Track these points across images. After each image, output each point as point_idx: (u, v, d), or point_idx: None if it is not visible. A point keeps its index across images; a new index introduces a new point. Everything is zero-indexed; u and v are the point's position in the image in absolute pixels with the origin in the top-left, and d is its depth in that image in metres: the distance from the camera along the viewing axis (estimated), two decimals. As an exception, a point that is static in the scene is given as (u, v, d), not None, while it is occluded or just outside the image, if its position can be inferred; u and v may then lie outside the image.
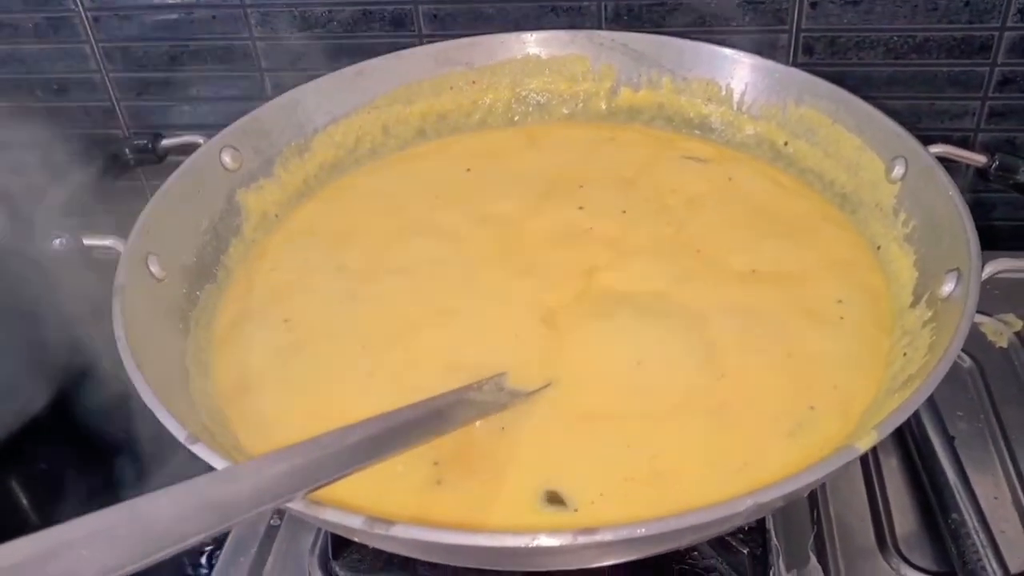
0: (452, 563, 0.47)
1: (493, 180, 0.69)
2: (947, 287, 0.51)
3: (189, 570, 0.73)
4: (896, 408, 0.42)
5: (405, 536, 0.39)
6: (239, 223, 0.65)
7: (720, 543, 0.57)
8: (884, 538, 0.59)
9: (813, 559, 0.58)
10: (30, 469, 0.76)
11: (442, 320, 0.57)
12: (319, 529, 0.62)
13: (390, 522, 0.39)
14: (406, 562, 0.59)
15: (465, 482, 0.47)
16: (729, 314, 0.56)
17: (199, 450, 0.43)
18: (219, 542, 0.62)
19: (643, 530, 0.38)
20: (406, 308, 0.58)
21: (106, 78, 0.90)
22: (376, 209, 0.68)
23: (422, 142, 0.75)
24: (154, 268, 0.57)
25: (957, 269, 0.51)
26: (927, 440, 0.62)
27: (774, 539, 0.59)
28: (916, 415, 0.63)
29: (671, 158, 0.70)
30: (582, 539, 0.38)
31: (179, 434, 0.44)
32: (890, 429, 0.42)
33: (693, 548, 0.57)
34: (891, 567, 0.58)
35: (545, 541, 0.38)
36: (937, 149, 0.59)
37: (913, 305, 0.55)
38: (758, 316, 0.56)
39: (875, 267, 0.59)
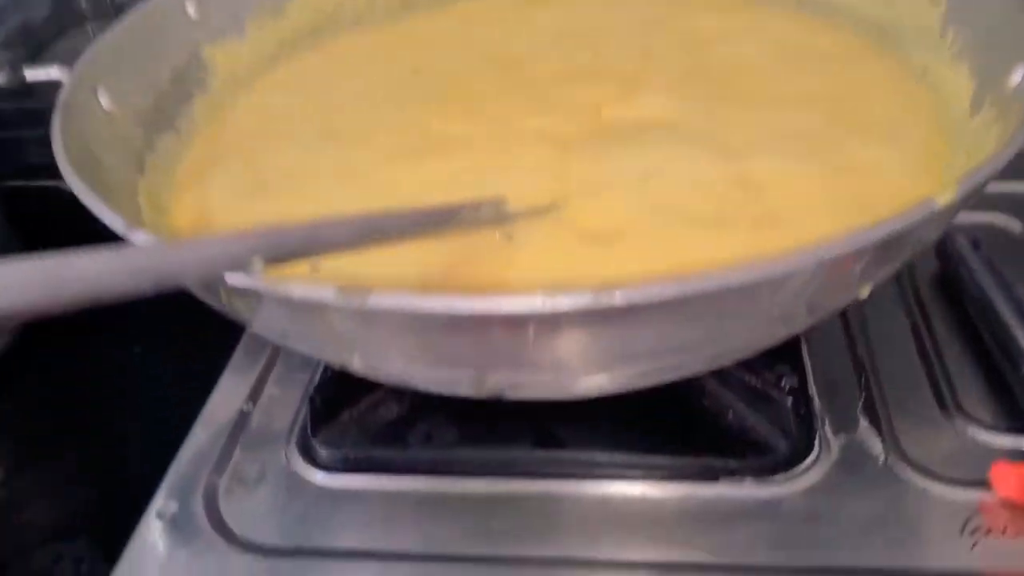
0: (439, 370, 0.39)
1: (497, 35, 0.63)
2: (1015, 78, 0.44)
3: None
4: (980, 164, 0.35)
5: (385, 305, 0.31)
6: (204, 78, 0.59)
7: (759, 398, 0.50)
8: (944, 398, 0.52)
9: (864, 422, 0.51)
10: None
11: (432, 150, 0.50)
12: (296, 411, 0.55)
13: (366, 290, 0.31)
14: (396, 436, 0.52)
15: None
16: (760, 130, 0.49)
17: (139, 237, 0.36)
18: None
19: (676, 289, 0.31)
20: (395, 139, 0.51)
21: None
22: (366, 59, 0.61)
23: (407, 16, 0.68)
24: (104, 100, 0.50)
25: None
26: (986, 298, 0.55)
27: (817, 403, 0.51)
28: (972, 276, 0.56)
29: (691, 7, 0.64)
30: (602, 299, 0.30)
31: (115, 223, 0.37)
32: (973, 183, 0.34)
33: (728, 408, 0.50)
34: (954, 427, 0.50)
35: (559, 302, 0.30)
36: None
37: (973, 113, 0.48)
38: (794, 133, 0.49)
39: (923, 89, 0.52)
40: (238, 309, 0.37)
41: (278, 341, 0.42)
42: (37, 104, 0.51)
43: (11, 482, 0.78)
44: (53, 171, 0.95)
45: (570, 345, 0.35)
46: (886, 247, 0.34)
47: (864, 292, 0.40)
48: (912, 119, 0.50)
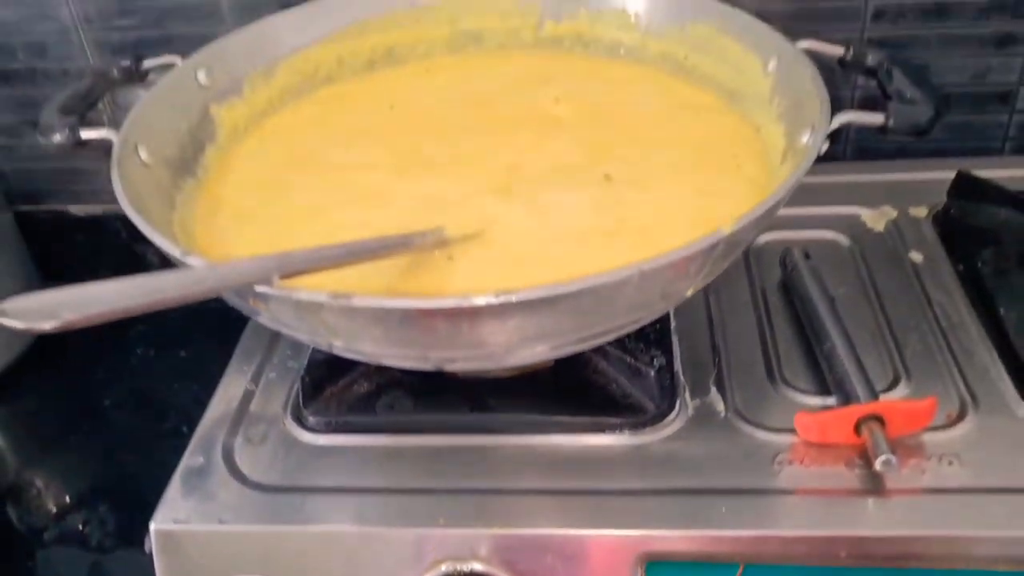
0: (403, 349, 0.56)
1: (436, 88, 0.81)
2: (803, 138, 0.63)
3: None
4: (757, 205, 0.53)
5: (363, 305, 0.49)
6: (213, 131, 0.75)
7: (635, 373, 0.67)
8: (772, 371, 0.70)
9: (714, 390, 0.69)
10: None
11: (376, 196, 0.68)
12: (290, 390, 0.72)
13: (350, 294, 0.49)
14: (366, 406, 0.68)
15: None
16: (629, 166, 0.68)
17: (192, 260, 0.52)
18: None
19: (552, 291, 0.48)
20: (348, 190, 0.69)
21: (83, 39, 0.99)
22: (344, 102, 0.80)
23: (371, 73, 0.85)
24: (143, 155, 0.66)
25: (812, 124, 0.62)
26: (810, 297, 0.73)
27: (681, 377, 0.69)
28: (802, 280, 0.75)
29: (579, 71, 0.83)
30: (503, 299, 0.48)
31: (174, 250, 0.53)
32: (746, 221, 0.52)
33: (612, 381, 0.68)
34: (777, 392, 0.68)
35: (476, 301, 0.48)
36: (804, 44, 0.70)
37: (783, 162, 0.66)
38: (668, 166, 0.68)
39: (759, 138, 0.71)
40: (259, 308, 0.54)
41: (284, 331, 0.58)
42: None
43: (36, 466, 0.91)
44: (60, 197, 1.10)
45: (487, 331, 0.52)
46: (694, 260, 0.52)
47: (692, 291, 0.58)
48: (750, 161, 0.68)
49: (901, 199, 0.86)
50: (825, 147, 0.59)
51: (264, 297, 0.51)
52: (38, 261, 1.11)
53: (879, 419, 0.61)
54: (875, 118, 0.61)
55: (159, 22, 0.96)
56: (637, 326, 0.60)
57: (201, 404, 0.72)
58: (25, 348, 1.01)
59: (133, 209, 0.56)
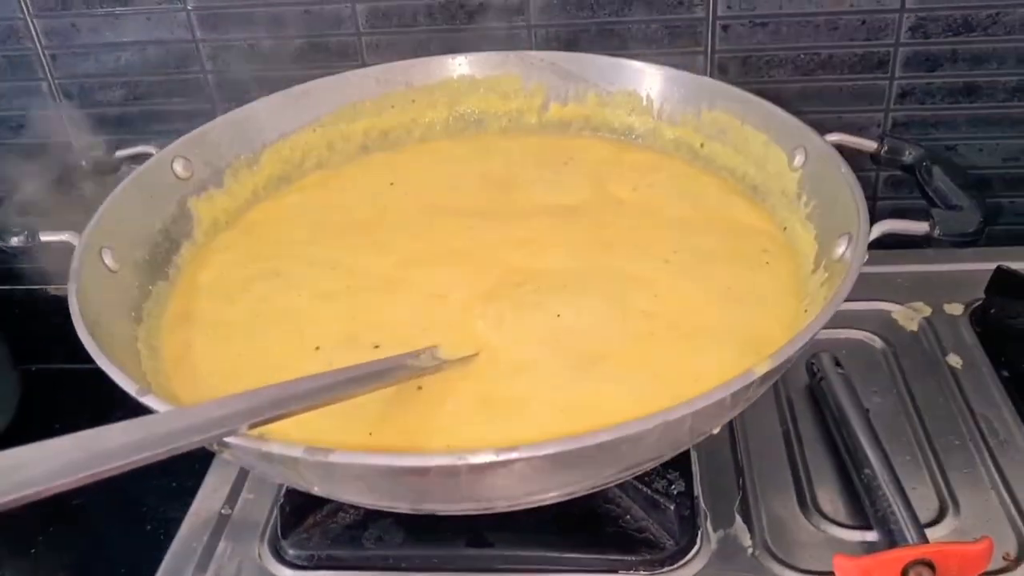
0: (392, 501, 0.49)
1: (433, 180, 0.75)
2: (840, 249, 0.57)
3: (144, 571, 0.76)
4: (790, 340, 0.47)
5: (341, 461, 0.42)
6: (190, 228, 0.69)
7: (651, 504, 0.60)
8: (804, 498, 0.63)
9: (739, 519, 0.62)
10: None
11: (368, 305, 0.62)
12: (269, 514, 0.65)
13: (328, 449, 0.42)
14: (352, 538, 0.61)
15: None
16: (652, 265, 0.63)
17: (149, 401, 0.46)
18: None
19: (557, 447, 0.42)
20: (339, 294, 0.63)
21: (63, 116, 0.94)
22: (320, 211, 0.72)
23: (365, 156, 0.80)
24: (108, 260, 0.60)
25: (849, 233, 0.56)
26: (842, 410, 0.66)
27: (702, 503, 0.62)
28: (832, 390, 0.68)
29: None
30: (503, 456, 0.41)
31: (129, 388, 0.47)
32: (782, 358, 0.46)
33: (626, 512, 0.60)
34: (811, 523, 0.61)
35: (471, 459, 0.41)
36: (833, 137, 0.64)
37: (814, 271, 0.59)
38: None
39: (784, 238, 0.64)
40: (225, 454, 0.47)
41: (256, 473, 0.52)
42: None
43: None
44: (37, 278, 1.04)
45: (486, 485, 0.45)
46: (725, 403, 0.45)
47: (719, 428, 0.51)
48: (780, 260, 0.63)
49: (934, 294, 0.80)
50: (865, 259, 0.53)
51: (230, 446, 0.44)
52: (11, 342, 1.05)
53: (929, 565, 0.54)
54: (918, 227, 0.56)
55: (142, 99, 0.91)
56: (655, 464, 0.53)
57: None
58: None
59: (88, 334, 0.50)
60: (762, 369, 0.45)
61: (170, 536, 0.69)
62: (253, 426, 0.43)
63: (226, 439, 0.42)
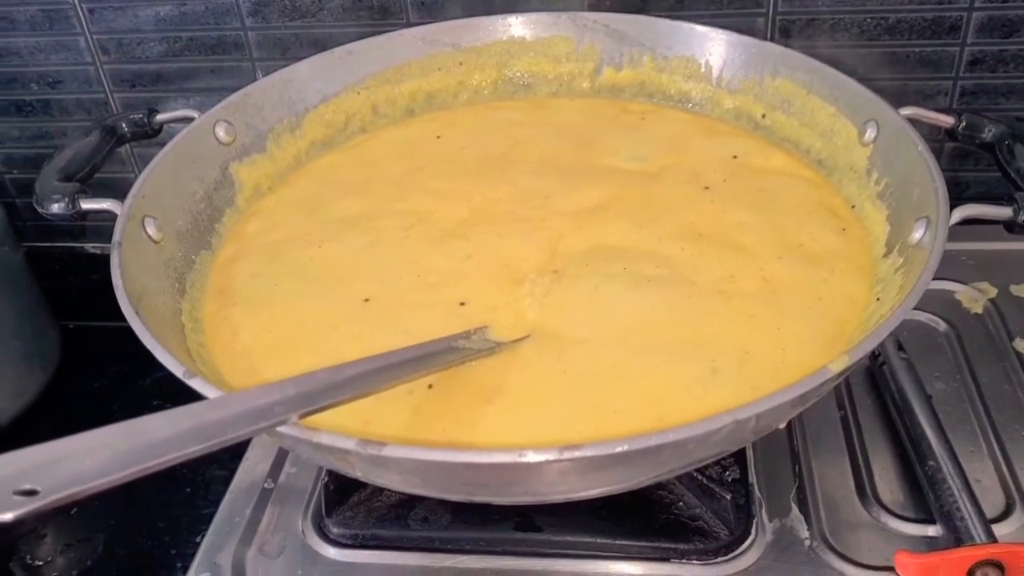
0: (443, 492, 0.48)
1: (482, 147, 0.72)
2: (917, 234, 0.53)
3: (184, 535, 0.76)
4: (867, 336, 0.44)
5: (396, 456, 0.40)
6: (233, 195, 0.67)
7: (705, 492, 0.58)
8: (864, 488, 0.61)
9: (795, 509, 0.60)
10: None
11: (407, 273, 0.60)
12: (311, 491, 0.64)
13: (382, 443, 0.40)
14: (397, 517, 0.60)
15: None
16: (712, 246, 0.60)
17: (196, 384, 0.44)
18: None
19: (625, 446, 0.40)
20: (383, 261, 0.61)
21: (100, 70, 0.92)
22: (365, 176, 0.70)
23: (411, 120, 0.77)
24: (151, 230, 0.58)
25: (926, 217, 0.53)
26: (904, 397, 0.64)
27: (756, 491, 0.60)
28: (894, 375, 0.65)
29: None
30: (567, 454, 0.39)
31: (176, 370, 0.45)
32: (860, 354, 0.43)
33: (679, 499, 0.59)
34: (871, 515, 0.59)
35: (532, 457, 0.39)
36: (908, 111, 0.61)
37: (886, 255, 0.56)
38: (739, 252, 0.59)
39: (854, 218, 0.61)
40: (274, 440, 0.46)
41: (298, 456, 0.50)
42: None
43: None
44: (74, 233, 1.04)
45: (544, 480, 0.44)
46: (795, 401, 0.43)
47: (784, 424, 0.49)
48: (853, 242, 0.60)
49: (1000, 274, 0.76)
50: (942, 243, 0.50)
51: (280, 435, 0.42)
52: (51, 300, 1.04)
53: (998, 566, 0.52)
54: (1001, 212, 0.52)
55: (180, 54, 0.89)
56: (715, 459, 0.51)
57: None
58: (35, 396, 0.94)
59: (134, 312, 0.49)
60: (838, 367, 0.43)
61: (209, 499, 0.68)
62: (304, 415, 0.41)
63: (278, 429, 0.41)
